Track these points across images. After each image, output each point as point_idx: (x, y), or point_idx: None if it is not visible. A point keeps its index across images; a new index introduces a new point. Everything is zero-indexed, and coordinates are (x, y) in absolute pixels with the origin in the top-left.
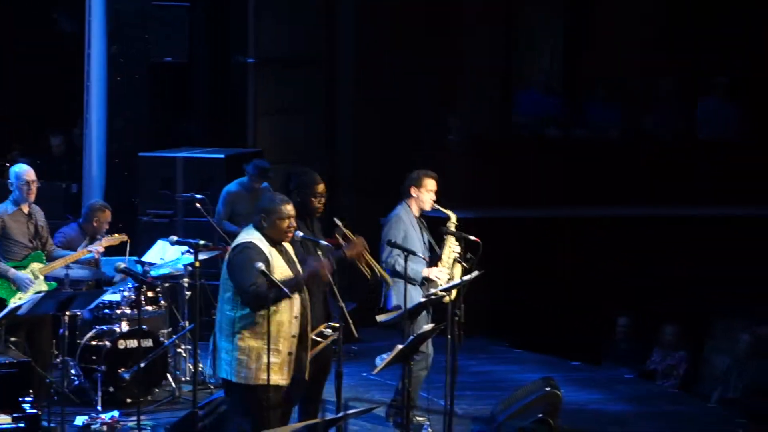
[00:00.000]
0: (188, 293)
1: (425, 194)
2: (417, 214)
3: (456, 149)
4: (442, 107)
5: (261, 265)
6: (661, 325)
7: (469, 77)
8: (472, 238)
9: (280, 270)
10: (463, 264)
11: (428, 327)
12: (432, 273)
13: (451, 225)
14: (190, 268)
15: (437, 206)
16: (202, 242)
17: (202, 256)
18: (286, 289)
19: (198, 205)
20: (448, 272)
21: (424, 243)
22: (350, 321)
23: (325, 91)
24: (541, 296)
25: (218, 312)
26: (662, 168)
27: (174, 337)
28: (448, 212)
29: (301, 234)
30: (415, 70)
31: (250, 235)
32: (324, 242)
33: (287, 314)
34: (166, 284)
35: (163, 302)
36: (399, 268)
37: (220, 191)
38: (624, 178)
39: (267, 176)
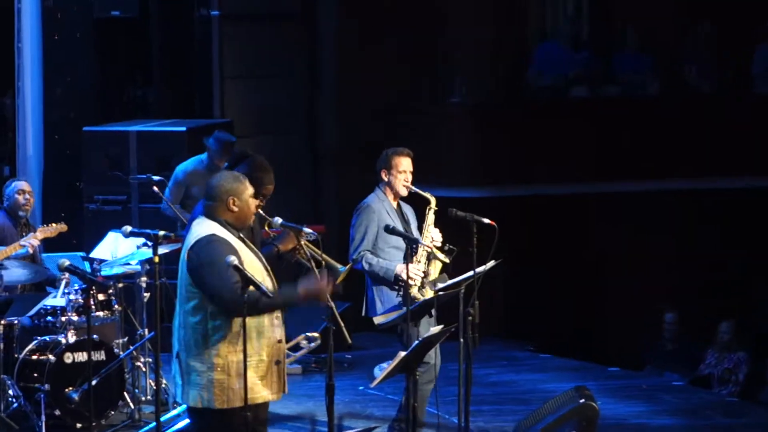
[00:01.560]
0: (146, 295)
1: (398, 176)
2: (394, 201)
3: (460, 116)
4: (444, 66)
5: (233, 259)
6: (716, 322)
7: (477, 28)
8: (486, 221)
9: (250, 264)
10: (440, 258)
11: (436, 329)
12: (404, 271)
13: (430, 210)
14: (147, 265)
15: (413, 188)
16: (161, 233)
17: (162, 250)
18: (264, 288)
19: (155, 188)
20: (423, 268)
21: (409, 236)
22: (342, 324)
23: (305, 51)
24: (568, 290)
25: (180, 327)
26: (711, 130)
27: (131, 348)
28: (427, 195)
29: (280, 220)
30: (410, 21)
31: (208, 226)
32: (307, 229)
33: (268, 316)
34: (120, 285)
35: (116, 307)
36: (370, 266)
37: None
38: (668, 144)
39: (232, 152)
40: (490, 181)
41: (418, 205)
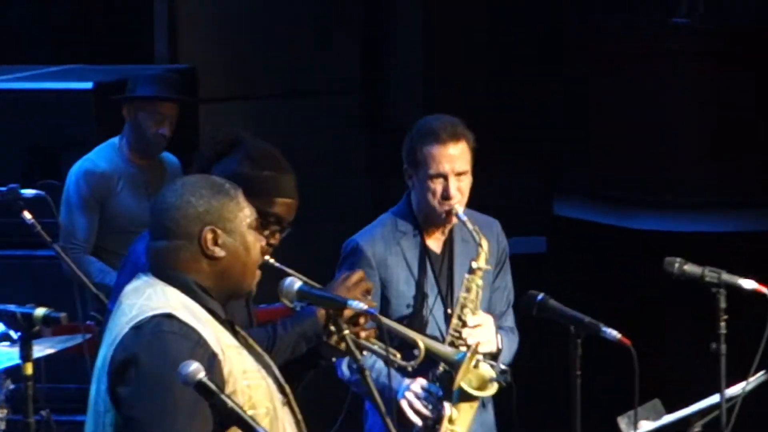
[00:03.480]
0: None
1: (428, 184)
2: (432, 234)
3: (688, 53)
4: None
5: (195, 372)
6: None
7: None
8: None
9: (250, 381)
10: (483, 377)
11: None
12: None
13: (481, 261)
14: (9, 383)
15: (460, 215)
16: (40, 312)
17: (41, 349)
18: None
19: (27, 216)
20: (433, 401)
21: (437, 295)
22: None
23: None
24: None
25: None
26: None
27: None
28: (478, 236)
29: (297, 284)
30: None
31: (159, 297)
32: (356, 303)
33: None
34: None
35: None
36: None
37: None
38: None
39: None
40: (744, 197)
41: None
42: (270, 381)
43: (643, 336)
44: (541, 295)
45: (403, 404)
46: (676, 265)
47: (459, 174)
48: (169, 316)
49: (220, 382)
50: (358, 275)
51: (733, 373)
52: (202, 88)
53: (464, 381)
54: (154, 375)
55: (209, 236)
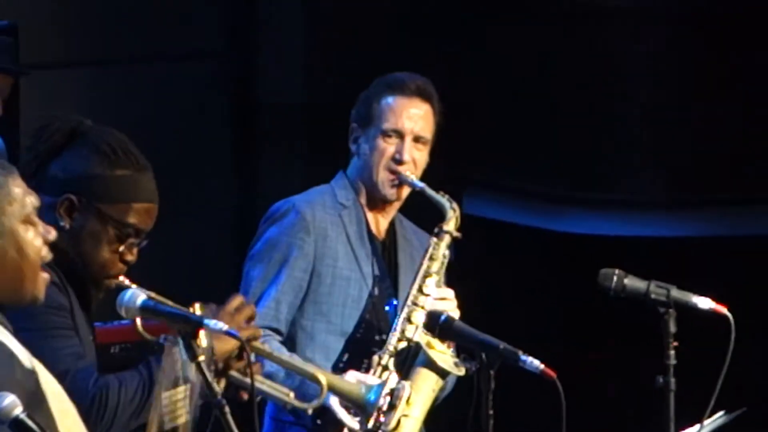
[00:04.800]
0: None
1: (380, 148)
2: (376, 210)
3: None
4: None
5: (17, 412)
6: None
7: None
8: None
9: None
10: (439, 366)
11: None
12: (352, 382)
13: (442, 240)
14: None
15: (415, 183)
16: None
17: None
18: None
19: None
20: (384, 393)
21: (379, 281)
22: None
23: None
24: None
25: None
26: None
27: None
28: (444, 200)
29: (141, 297)
30: None
31: None
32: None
33: None
34: None
35: None
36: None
37: None
38: None
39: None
40: (700, 195)
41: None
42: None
43: (572, 365)
44: (444, 315)
45: (334, 405)
46: (615, 278)
47: (418, 139)
48: None
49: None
50: (238, 300)
51: (684, 413)
52: (25, 51)
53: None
54: None
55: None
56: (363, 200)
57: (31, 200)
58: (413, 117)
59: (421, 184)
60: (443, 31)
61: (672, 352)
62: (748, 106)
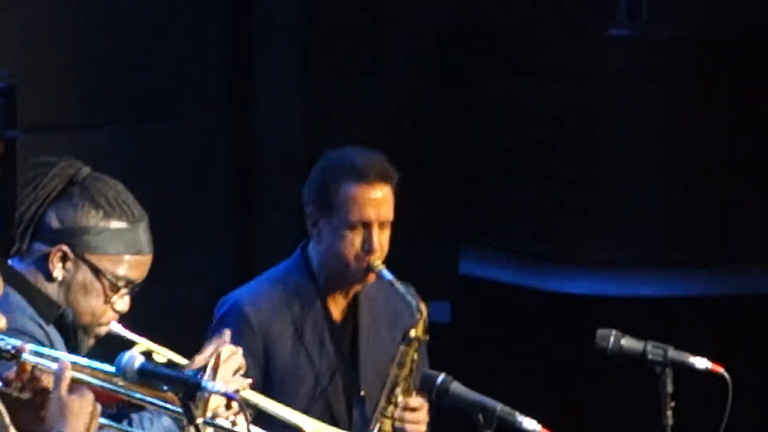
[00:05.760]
0: None
1: (344, 231)
2: (344, 294)
3: (635, 69)
4: None
5: None
6: None
7: None
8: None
9: None
10: None
11: None
12: None
13: (418, 331)
14: None
15: (385, 274)
16: None
17: None
18: None
19: None
20: None
21: (338, 375)
22: None
23: None
24: None
25: None
26: None
27: None
28: (411, 298)
29: (139, 361)
30: None
31: None
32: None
33: None
34: None
35: None
36: None
37: None
38: None
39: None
40: (695, 255)
41: None
42: None
43: (570, 426)
44: (441, 377)
45: None
46: (612, 338)
47: (382, 223)
48: None
49: None
50: (228, 349)
51: None
52: (23, 114)
53: None
54: None
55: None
56: (322, 283)
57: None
58: (377, 204)
59: (390, 276)
60: (441, 84)
61: (669, 412)
62: (739, 163)
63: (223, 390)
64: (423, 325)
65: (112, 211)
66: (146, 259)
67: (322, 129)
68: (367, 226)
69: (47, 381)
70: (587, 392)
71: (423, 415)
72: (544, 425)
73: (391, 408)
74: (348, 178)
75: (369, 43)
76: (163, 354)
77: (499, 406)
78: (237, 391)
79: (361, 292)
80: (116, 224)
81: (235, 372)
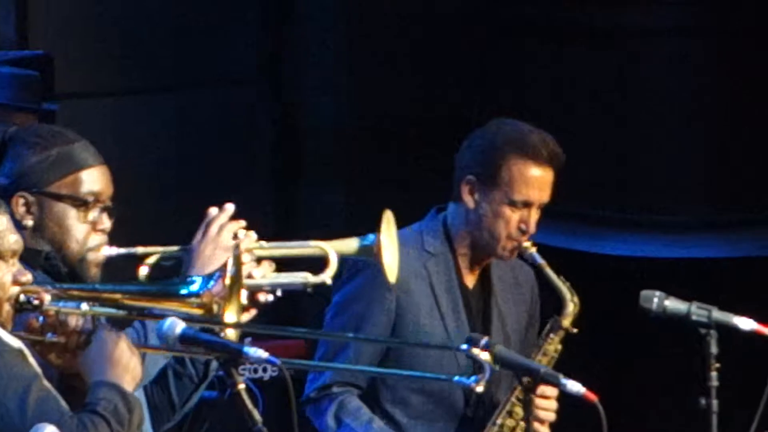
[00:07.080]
0: None
1: (504, 207)
2: (471, 270)
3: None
4: None
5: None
6: None
7: None
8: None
9: None
10: None
11: None
12: None
13: (567, 322)
14: None
15: (535, 256)
16: None
17: None
18: None
19: None
20: None
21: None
22: None
23: None
24: None
25: None
26: None
27: None
28: (566, 288)
29: (180, 326)
30: None
31: None
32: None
33: None
34: None
35: None
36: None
37: None
38: None
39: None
40: (746, 214)
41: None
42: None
43: (613, 388)
44: (485, 339)
45: None
46: (656, 300)
47: (540, 205)
48: None
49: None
50: (219, 216)
51: None
52: (60, 81)
53: None
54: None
55: None
56: (460, 249)
57: (13, 238)
58: (543, 186)
59: (541, 260)
60: (486, 51)
61: (714, 374)
62: None
63: (265, 356)
64: (573, 317)
65: (47, 142)
66: (100, 170)
67: (366, 97)
68: (527, 206)
69: (75, 322)
70: (633, 354)
71: (555, 404)
72: (589, 387)
73: (522, 392)
74: (521, 155)
75: (415, 17)
76: (156, 252)
77: (543, 369)
78: (249, 250)
79: (490, 265)
80: (55, 150)
81: (235, 235)
